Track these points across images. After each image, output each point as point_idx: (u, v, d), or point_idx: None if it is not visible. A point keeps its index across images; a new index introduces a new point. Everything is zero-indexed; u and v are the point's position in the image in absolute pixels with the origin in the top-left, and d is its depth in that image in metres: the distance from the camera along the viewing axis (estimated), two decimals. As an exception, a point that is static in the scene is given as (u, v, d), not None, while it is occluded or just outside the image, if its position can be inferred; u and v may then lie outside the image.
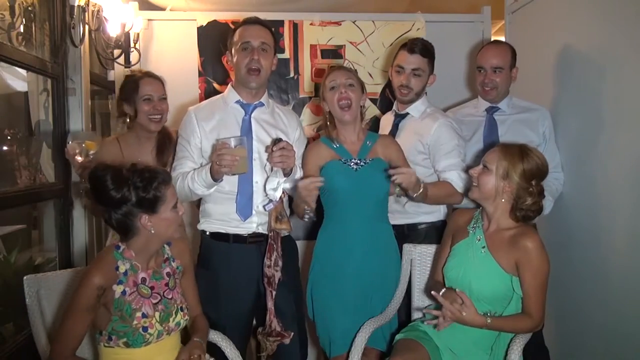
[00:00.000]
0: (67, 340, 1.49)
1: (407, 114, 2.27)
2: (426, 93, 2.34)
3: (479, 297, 1.78)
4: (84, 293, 1.48)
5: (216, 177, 1.83)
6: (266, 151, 1.93)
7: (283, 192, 1.94)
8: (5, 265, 2.73)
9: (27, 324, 1.75)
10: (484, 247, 1.82)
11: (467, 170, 2.01)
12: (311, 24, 2.97)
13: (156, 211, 1.53)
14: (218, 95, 2.11)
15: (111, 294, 1.51)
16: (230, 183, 1.93)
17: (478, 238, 1.85)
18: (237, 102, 2.01)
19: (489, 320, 1.69)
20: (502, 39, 3.07)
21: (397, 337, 1.91)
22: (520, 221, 1.80)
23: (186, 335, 1.73)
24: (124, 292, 1.52)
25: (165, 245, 1.68)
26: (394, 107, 2.38)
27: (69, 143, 1.89)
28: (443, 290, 1.78)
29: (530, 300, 1.74)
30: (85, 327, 1.50)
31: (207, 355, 1.66)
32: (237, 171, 1.81)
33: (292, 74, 2.97)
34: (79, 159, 1.88)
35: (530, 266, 1.73)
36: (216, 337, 1.81)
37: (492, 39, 3.08)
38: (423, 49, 2.20)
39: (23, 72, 2.60)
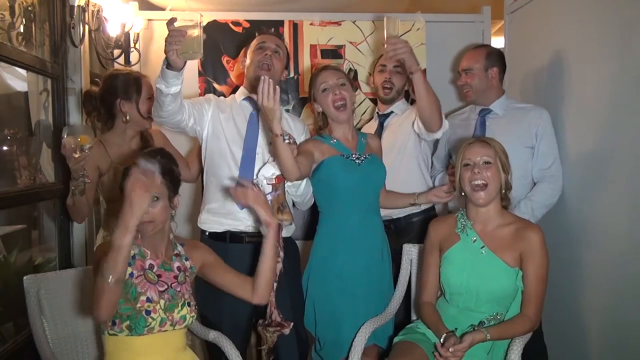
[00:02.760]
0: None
1: (391, 112, 2.44)
2: (409, 97, 2.53)
3: (488, 299, 1.77)
4: (101, 255, 1.51)
5: (169, 59, 1.67)
6: (270, 143, 1.94)
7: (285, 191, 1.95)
8: (5, 265, 2.73)
9: (27, 324, 1.75)
10: (483, 247, 1.80)
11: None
12: (311, 24, 2.97)
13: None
14: (230, 96, 2.18)
15: None
16: (230, 175, 1.95)
17: (473, 239, 1.82)
18: (246, 99, 2.06)
19: (488, 337, 1.67)
20: (502, 39, 3.08)
21: (395, 339, 1.90)
22: (506, 208, 1.86)
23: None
24: (131, 274, 1.55)
25: (178, 244, 1.71)
26: (376, 111, 2.55)
27: (64, 137, 1.88)
28: (444, 336, 1.70)
29: (530, 296, 1.73)
30: None
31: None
32: (187, 51, 1.65)
33: (292, 74, 2.97)
34: (76, 155, 1.87)
35: (534, 258, 1.73)
36: (217, 337, 1.81)
37: (491, 39, 3.09)
38: None
39: (23, 72, 2.59)
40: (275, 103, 1.64)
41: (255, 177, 1.94)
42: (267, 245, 1.63)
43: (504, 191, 1.82)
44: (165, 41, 1.65)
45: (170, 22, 1.64)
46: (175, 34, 1.63)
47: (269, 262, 1.65)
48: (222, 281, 1.71)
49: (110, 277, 1.38)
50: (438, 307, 1.90)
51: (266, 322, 1.92)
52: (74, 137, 1.86)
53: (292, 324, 1.91)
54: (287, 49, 2.14)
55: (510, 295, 1.76)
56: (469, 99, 2.43)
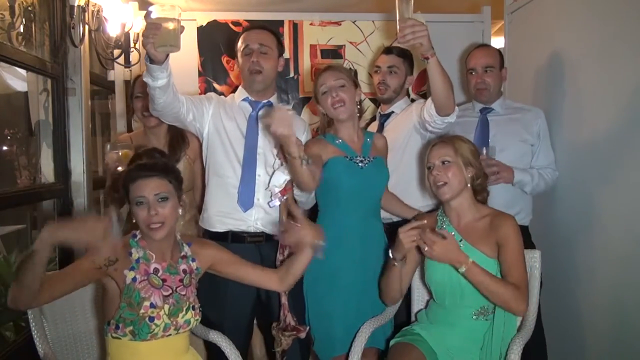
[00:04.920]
0: (52, 277, 1.47)
1: (392, 112, 2.40)
2: (409, 96, 2.47)
3: (471, 292, 1.77)
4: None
5: (148, 52, 1.64)
6: (275, 147, 1.94)
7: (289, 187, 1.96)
8: (5, 265, 2.73)
9: (27, 324, 1.75)
10: (461, 240, 1.81)
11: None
12: (311, 24, 2.97)
13: (129, 200, 1.56)
14: (229, 96, 2.17)
15: (122, 277, 1.51)
16: (234, 175, 1.95)
17: (451, 234, 1.82)
18: (245, 99, 2.05)
19: (467, 263, 1.65)
20: (502, 39, 3.08)
21: (392, 342, 1.90)
22: (484, 202, 1.87)
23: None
24: (134, 279, 1.53)
25: (184, 244, 1.68)
26: (378, 111, 2.51)
27: (107, 153, 1.93)
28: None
29: (514, 275, 1.71)
30: (76, 275, 1.49)
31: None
32: (164, 44, 1.61)
33: (292, 74, 2.97)
34: (121, 169, 1.89)
35: (508, 243, 1.74)
36: (216, 337, 1.81)
37: (491, 39, 3.09)
38: (398, 50, 2.38)
39: (23, 72, 2.59)
40: (290, 128, 1.65)
41: (267, 186, 1.94)
42: (306, 255, 1.68)
43: (469, 184, 1.83)
44: (142, 34, 1.65)
45: (147, 15, 1.64)
46: (151, 27, 1.61)
47: (305, 264, 1.71)
48: (244, 275, 1.73)
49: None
50: (431, 313, 1.92)
51: (280, 326, 1.91)
52: (116, 152, 1.91)
53: (307, 327, 1.91)
54: (275, 36, 2.07)
55: None
56: (483, 97, 2.37)
